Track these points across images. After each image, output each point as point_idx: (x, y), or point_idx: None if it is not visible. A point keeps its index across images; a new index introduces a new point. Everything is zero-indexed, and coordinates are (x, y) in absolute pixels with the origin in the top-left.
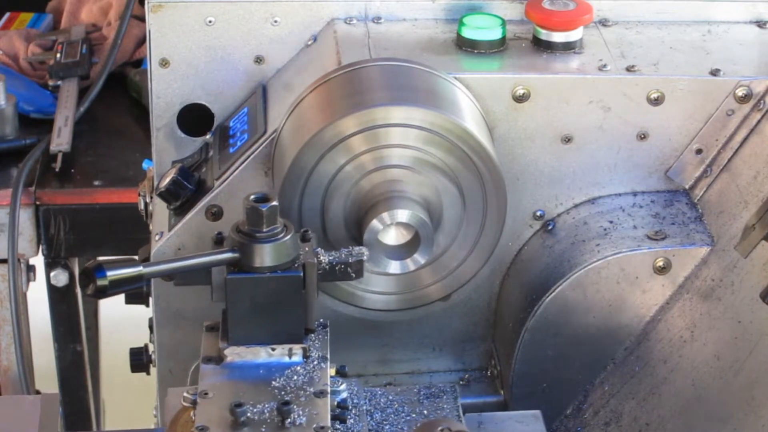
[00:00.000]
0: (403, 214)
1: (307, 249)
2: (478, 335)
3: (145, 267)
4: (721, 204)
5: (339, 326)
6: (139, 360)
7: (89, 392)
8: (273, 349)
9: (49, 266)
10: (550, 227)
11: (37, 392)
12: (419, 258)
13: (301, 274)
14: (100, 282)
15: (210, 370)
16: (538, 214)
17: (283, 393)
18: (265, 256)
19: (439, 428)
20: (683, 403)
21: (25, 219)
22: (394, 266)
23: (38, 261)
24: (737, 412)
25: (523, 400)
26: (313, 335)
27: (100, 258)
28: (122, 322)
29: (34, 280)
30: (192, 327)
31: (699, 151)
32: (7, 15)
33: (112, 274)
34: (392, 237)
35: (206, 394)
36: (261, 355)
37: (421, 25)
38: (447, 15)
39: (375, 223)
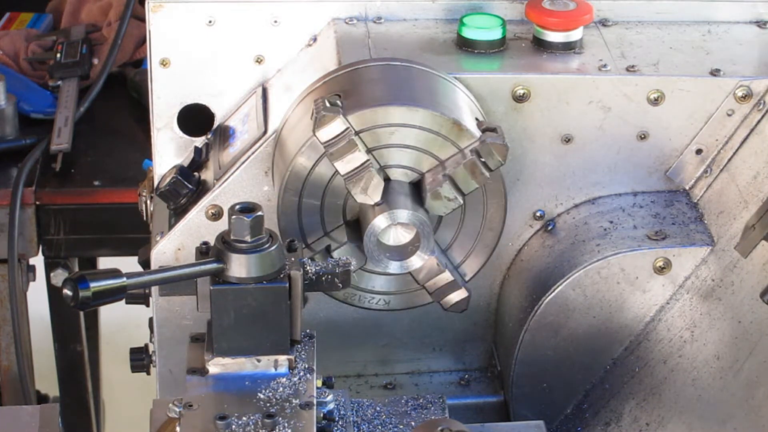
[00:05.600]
0: (403, 214)
1: (293, 259)
2: (478, 335)
3: (128, 278)
4: (721, 204)
5: (339, 326)
6: (139, 360)
7: (89, 392)
8: (258, 361)
9: (49, 266)
10: (550, 227)
11: (38, 392)
12: (419, 258)
13: (287, 285)
14: (83, 293)
15: (195, 381)
16: (538, 214)
17: (268, 405)
18: (250, 266)
19: (439, 428)
20: (683, 403)
21: (25, 219)
22: (394, 266)
23: (38, 261)
24: (737, 412)
25: (523, 400)
26: (299, 346)
27: (100, 258)
28: (122, 322)
29: (34, 280)
30: (192, 327)
31: (699, 151)
32: (7, 15)
33: (95, 285)
34: (392, 237)
35: (191, 406)
36: (246, 366)
37: (421, 25)
38: (447, 15)
39: (375, 223)
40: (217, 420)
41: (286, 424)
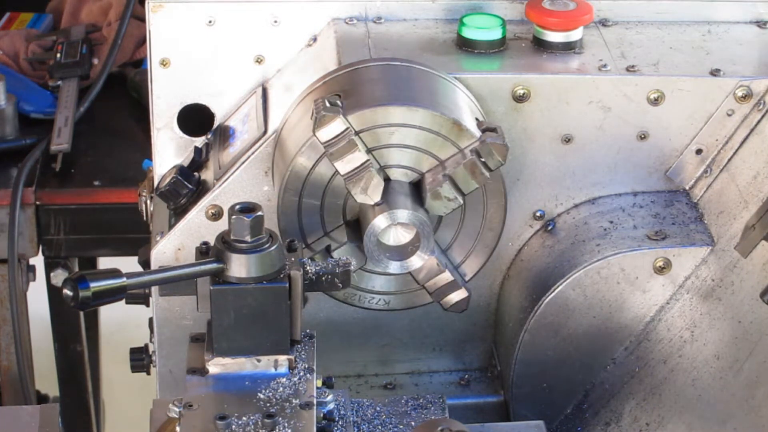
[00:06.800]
0: (403, 214)
1: (293, 259)
2: (478, 335)
3: (128, 278)
4: (721, 204)
5: (339, 326)
6: (139, 360)
7: (89, 392)
8: (258, 361)
9: (49, 266)
10: (550, 227)
11: (38, 392)
12: (419, 258)
13: (287, 285)
14: (83, 293)
15: (195, 381)
16: (538, 214)
17: (268, 405)
18: (250, 266)
19: (439, 428)
20: (683, 403)
21: (25, 219)
22: (394, 266)
23: (38, 261)
24: (737, 412)
25: (523, 400)
26: (299, 346)
27: (100, 258)
28: (122, 322)
29: (34, 280)
30: (192, 327)
31: (699, 151)
32: (7, 15)
33: (95, 285)
34: (392, 237)
35: (191, 406)
36: (246, 366)
37: (421, 25)
38: (447, 15)
39: (375, 223)
40: (217, 420)
41: (286, 424)
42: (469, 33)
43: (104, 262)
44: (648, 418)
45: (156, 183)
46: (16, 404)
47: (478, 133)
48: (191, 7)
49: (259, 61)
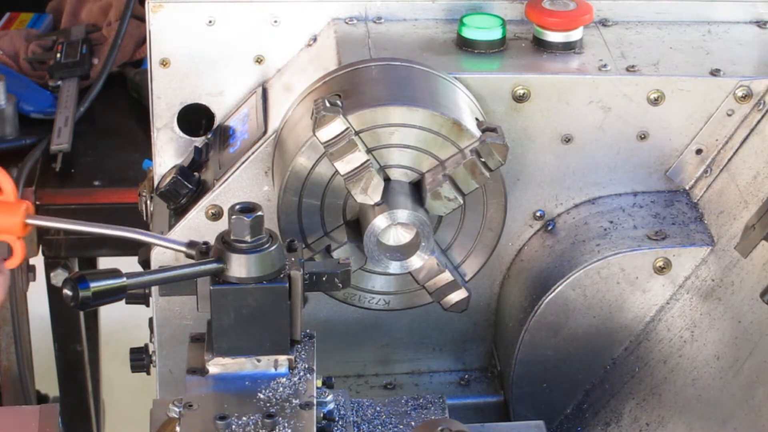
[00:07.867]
0: (403, 214)
1: (293, 259)
2: (478, 335)
3: (128, 278)
4: (721, 204)
5: (339, 326)
6: (139, 360)
7: (89, 392)
8: (258, 361)
9: (49, 266)
10: (550, 227)
11: (38, 392)
12: (419, 258)
13: (287, 285)
14: (83, 293)
15: (195, 381)
16: (538, 214)
17: (268, 405)
18: (250, 266)
19: (439, 428)
20: (683, 403)
21: None
22: (394, 266)
23: (38, 261)
24: (737, 412)
25: (523, 400)
26: (299, 346)
27: (100, 258)
28: (122, 322)
29: (34, 280)
30: (192, 327)
31: (699, 151)
32: (7, 15)
33: (95, 285)
34: (392, 237)
35: (191, 406)
36: (246, 366)
37: (421, 25)
38: (447, 15)
39: (375, 223)
40: (217, 420)
41: (286, 424)
42: (469, 33)
43: (104, 262)
44: (648, 418)
45: (156, 183)
46: (16, 404)
47: (478, 133)
48: (191, 7)
49: (259, 61)
